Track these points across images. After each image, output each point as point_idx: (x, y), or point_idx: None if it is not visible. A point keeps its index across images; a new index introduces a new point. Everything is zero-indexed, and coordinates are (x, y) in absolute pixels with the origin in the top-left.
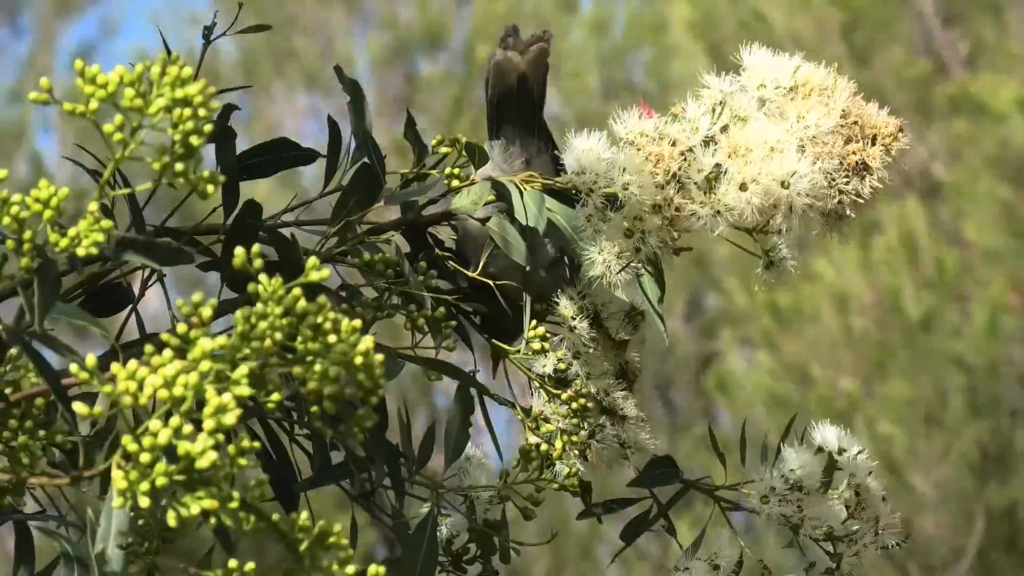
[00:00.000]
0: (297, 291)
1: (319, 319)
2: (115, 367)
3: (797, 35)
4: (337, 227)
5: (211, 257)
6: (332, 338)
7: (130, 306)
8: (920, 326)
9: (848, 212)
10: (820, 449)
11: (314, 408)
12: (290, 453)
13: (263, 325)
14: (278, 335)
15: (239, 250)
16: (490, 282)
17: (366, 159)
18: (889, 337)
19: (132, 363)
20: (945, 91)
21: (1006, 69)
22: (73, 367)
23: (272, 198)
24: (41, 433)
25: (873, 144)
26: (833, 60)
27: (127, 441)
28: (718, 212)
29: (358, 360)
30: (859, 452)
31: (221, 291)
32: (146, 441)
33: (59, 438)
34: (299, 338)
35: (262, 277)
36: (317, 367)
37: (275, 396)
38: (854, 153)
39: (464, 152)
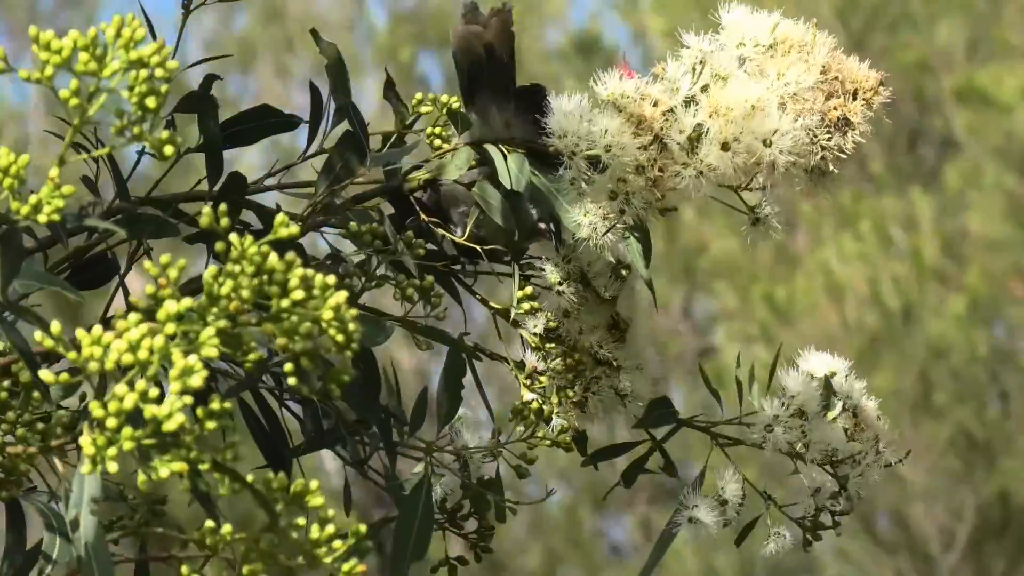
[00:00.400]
0: (266, 248)
1: (288, 276)
2: (79, 333)
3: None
4: (323, 194)
5: (197, 229)
6: (300, 294)
7: (117, 279)
8: (904, 315)
9: (831, 168)
10: (811, 376)
11: (288, 366)
12: (281, 421)
13: (230, 284)
14: (246, 293)
15: (206, 209)
16: (477, 247)
17: (349, 127)
18: (878, 328)
19: (96, 328)
20: (951, 82)
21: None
22: (37, 334)
23: (257, 172)
24: (40, 426)
25: (854, 99)
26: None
27: (94, 407)
28: (701, 172)
29: (328, 315)
30: (848, 374)
31: (208, 263)
32: (112, 406)
33: (59, 431)
34: (269, 295)
35: (231, 236)
36: (286, 324)
37: (253, 355)
38: (835, 109)
39: (446, 114)
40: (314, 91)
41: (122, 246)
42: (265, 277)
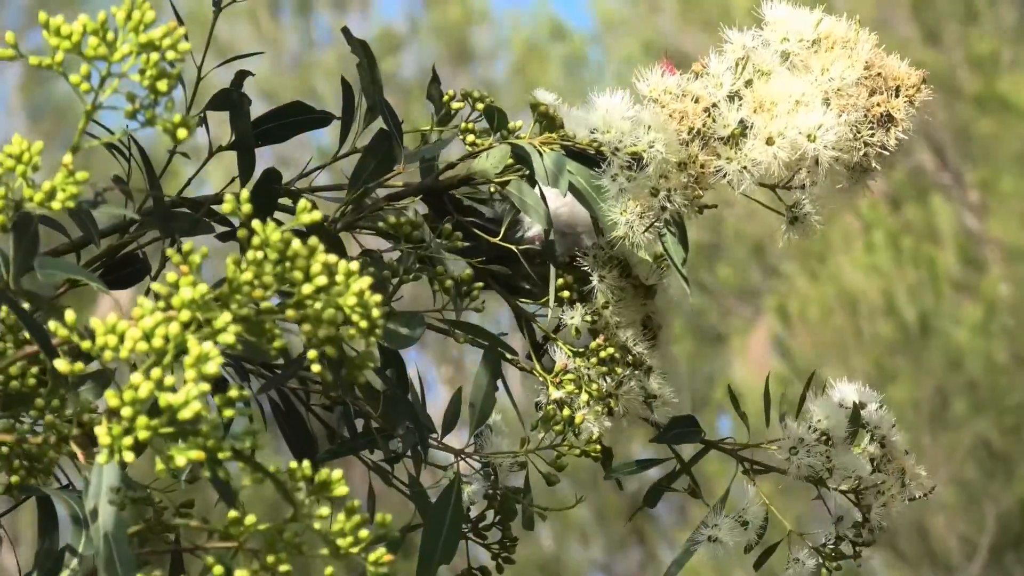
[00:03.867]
0: (288, 234)
1: (311, 262)
2: (94, 321)
3: (861, 15)
4: (356, 193)
5: (229, 227)
6: (323, 280)
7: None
8: (921, 325)
9: (874, 165)
10: (841, 405)
11: (312, 353)
12: (308, 425)
13: (252, 271)
14: (268, 280)
15: (228, 196)
16: (513, 247)
17: (383, 126)
18: (894, 338)
19: (111, 316)
20: (971, 89)
21: None
22: (52, 323)
23: (285, 166)
24: (67, 414)
25: (897, 96)
26: (903, 40)
27: (109, 396)
28: (744, 167)
29: (351, 301)
30: (880, 406)
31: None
32: (127, 395)
33: (86, 417)
34: (292, 282)
35: (254, 222)
36: (310, 310)
37: (277, 343)
38: (879, 105)
39: (480, 109)
40: (346, 88)
41: (154, 246)
42: (288, 264)
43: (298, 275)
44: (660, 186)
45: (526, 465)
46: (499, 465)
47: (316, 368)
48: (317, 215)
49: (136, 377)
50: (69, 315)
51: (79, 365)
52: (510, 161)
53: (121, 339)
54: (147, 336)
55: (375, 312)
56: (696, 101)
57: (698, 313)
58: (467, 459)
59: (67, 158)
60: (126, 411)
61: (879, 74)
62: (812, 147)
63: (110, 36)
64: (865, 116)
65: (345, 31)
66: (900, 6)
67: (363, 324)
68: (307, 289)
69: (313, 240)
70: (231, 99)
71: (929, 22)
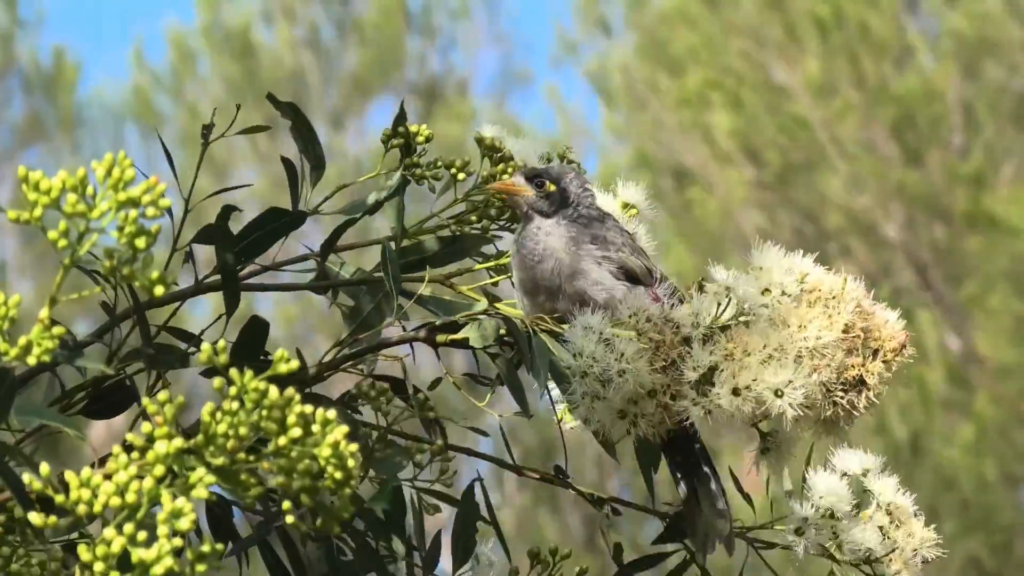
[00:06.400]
0: (264, 384)
1: (287, 413)
2: (68, 475)
3: (840, 139)
4: (347, 339)
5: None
6: (297, 432)
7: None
8: (911, 445)
9: (843, 424)
10: (845, 474)
11: (286, 504)
12: (302, 554)
13: (227, 422)
14: (243, 431)
15: (205, 345)
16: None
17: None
18: (884, 458)
19: (85, 470)
20: (960, 206)
21: None
22: (26, 477)
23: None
24: (33, 560)
25: (874, 358)
26: (884, 161)
27: (82, 551)
28: (709, 412)
29: (326, 452)
30: (883, 471)
31: None
32: (100, 550)
33: (53, 565)
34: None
35: (232, 372)
36: (283, 462)
37: (253, 491)
38: (853, 367)
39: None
40: (288, 166)
41: (141, 373)
42: (264, 413)
43: (273, 426)
44: (629, 410)
45: None
46: None
47: (290, 519)
48: (294, 364)
49: (109, 532)
50: (43, 468)
51: (52, 519)
52: (503, 332)
53: (95, 493)
54: (121, 491)
55: (350, 462)
56: (676, 330)
57: None
58: None
59: (43, 313)
60: (99, 567)
61: (857, 336)
62: (779, 403)
63: (89, 191)
64: (838, 376)
65: (271, 97)
66: (882, 126)
67: (338, 475)
68: (282, 441)
69: (290, 390)
70: (217, 234)
71: (911, 143)
